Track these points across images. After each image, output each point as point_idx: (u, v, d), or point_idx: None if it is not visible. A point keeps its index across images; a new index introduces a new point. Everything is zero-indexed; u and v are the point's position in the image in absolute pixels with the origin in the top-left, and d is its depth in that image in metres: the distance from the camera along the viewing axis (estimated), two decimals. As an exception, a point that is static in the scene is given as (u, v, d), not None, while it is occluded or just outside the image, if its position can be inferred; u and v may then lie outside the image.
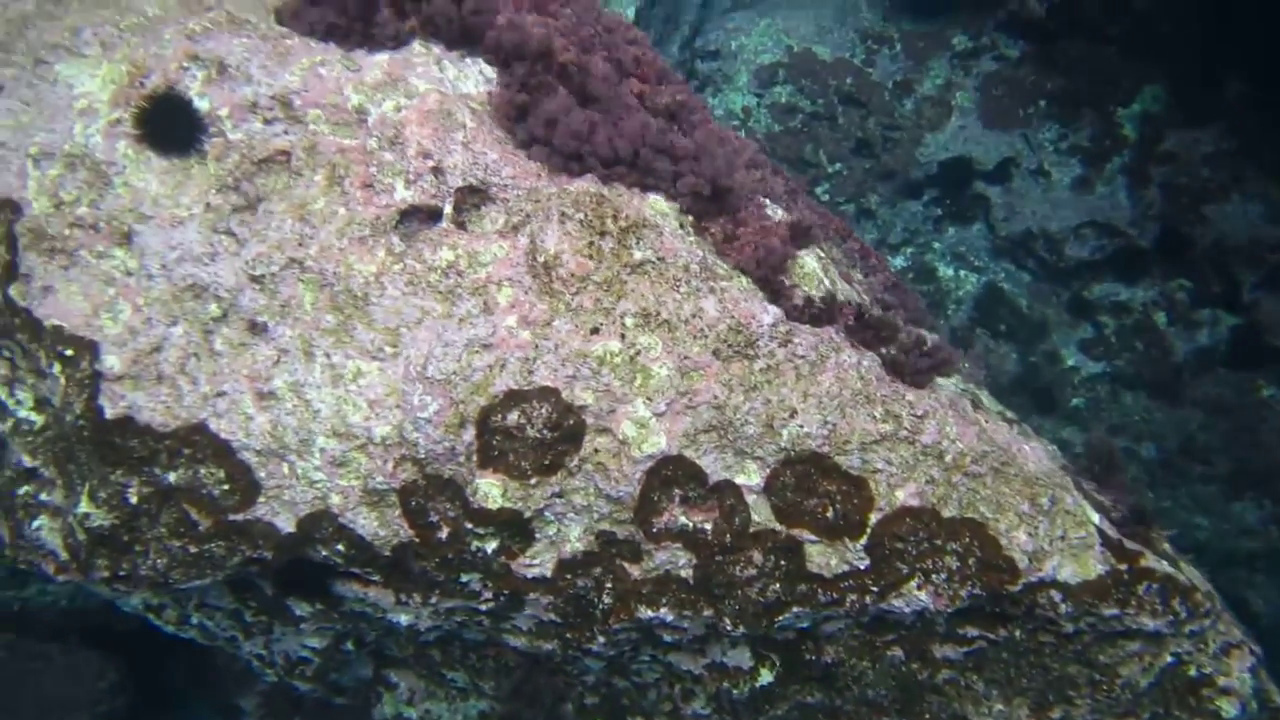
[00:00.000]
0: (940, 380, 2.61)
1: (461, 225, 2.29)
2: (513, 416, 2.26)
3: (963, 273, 6.68)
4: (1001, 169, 6.49)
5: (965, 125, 6.58)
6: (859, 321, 2.52)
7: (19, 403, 2.42)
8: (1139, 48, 6.25)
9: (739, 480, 2.37)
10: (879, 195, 6.70)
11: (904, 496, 2.41)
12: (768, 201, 2.68)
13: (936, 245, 6.73)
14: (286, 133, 2.29)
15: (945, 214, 6.72)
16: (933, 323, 3.19)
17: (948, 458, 2.42)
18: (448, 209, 2.28)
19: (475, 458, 2.27)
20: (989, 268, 6.65)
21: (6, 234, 2.29)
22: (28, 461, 2.42)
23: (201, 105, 2.27)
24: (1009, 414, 2.88)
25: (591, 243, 2.27)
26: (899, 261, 6.68)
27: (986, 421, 2.61)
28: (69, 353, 2.28)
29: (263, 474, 2.30)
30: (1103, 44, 6.34)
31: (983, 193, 6.55)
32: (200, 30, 2.30)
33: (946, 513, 2.42)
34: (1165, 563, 2.57)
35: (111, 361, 2.26)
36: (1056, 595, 2.47)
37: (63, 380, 2.29)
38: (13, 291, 2.30)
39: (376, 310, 2.26)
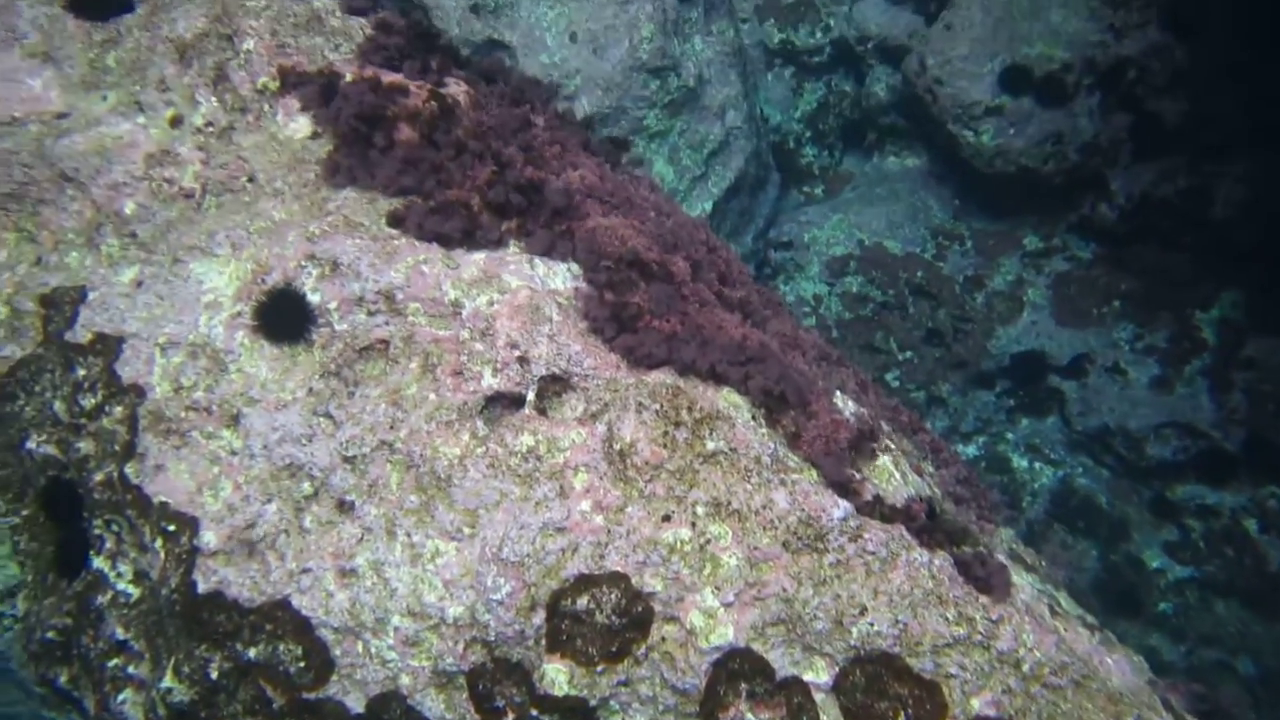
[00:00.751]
0: (1016, 580, 2.58)
1: (543, 412, 2.41)
2: (583, 601, 2.29)
3: (1038, 465, 6.59)
4: (1076, 365, 6.50)
5: (1037, 321, 6.67)
6: (930, 519, 2.53)
7: (119, 575, 2.54)
8: (1215, 255, 6.34)
9: (807, 677, 2.34)
10: (950, 384, 6.75)
11: (980, 705, 2.33)
12: (839, 394, 2.76)
13: (1010, 436, 6.69)
14: (387, 323, 2.48)
15: (1018, 405, 6.71)
16: (1009, 516, 3.16)
17: (1025, 667, 2.36)
18: (531, 396, 2.41)
19: (544, 642, 2.30)
20: (1065, 462, 6.56)
21: (129, 416, 2.49)
22: (120, 634, 2.52)
23: (314, 299, 2.48)
24: (1090, 619, 2.80)
25: (666, 432, 2.36)
26: (971, 451, 6.64)
27: (1066, 629, 2.55)
28: (171, 528, 2.41)
29: (338, 651, 2.35)
30: (1176, 250, 6.46)
31: (1057, 387, 6.54)
32: (319, 233, 2.54)
33: (1025, 723, 2.34)
34: (1265, 790, 2.42)
35: (209, 537, 2.38)
36: (1146, 820, 2.33)
37: (163, 555, 2.42)
38: (128, 469, 2.47)
39: (458, 492, 2.36)
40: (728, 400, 2.43)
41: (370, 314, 2.48)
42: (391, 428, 2.40)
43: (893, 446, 2.71)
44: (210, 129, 2.85)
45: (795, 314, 6.73)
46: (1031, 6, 6.68)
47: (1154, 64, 6.38)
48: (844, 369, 3.29)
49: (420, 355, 2.45)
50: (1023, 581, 2.61)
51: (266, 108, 2.90)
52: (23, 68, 2.89)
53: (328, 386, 2.45)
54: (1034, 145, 6.57)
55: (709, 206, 6.61)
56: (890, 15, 7.48)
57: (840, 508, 2.35)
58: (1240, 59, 6.15)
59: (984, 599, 2.40)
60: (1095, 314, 6.61)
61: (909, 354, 6.80)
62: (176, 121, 2.85)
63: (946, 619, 2.35)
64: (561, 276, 2.61)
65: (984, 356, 6.63)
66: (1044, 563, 3.02)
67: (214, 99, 2.87)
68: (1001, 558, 2.64)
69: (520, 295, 2.48)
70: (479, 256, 2.56)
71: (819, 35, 7.87)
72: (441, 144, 2.71)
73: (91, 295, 2.67)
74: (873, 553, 2.34)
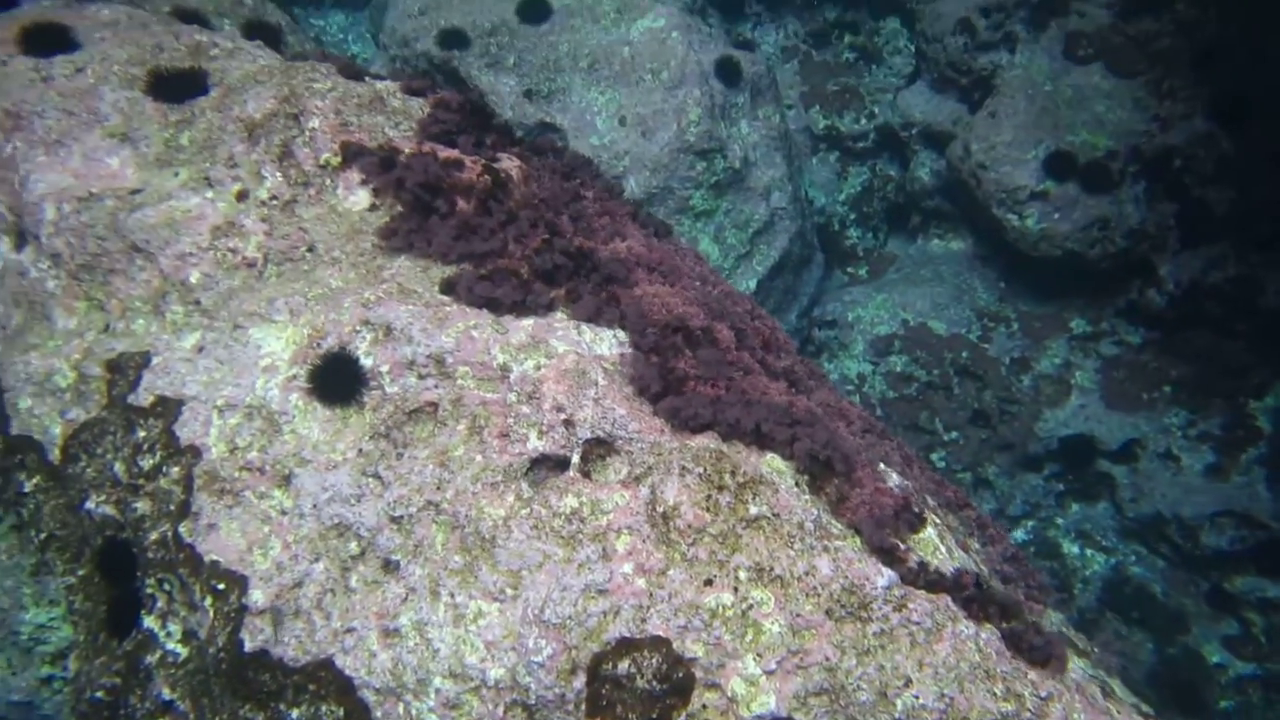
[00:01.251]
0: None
1: (587, 474, 2.44)
2: (623, 665, 2.28)
3: (1089, 552, 6.43)
4: (1126, 450, 6.39)
5: (1086, 404, 6.58)
6: (977, 591, 2.49)
7: (169, 635, 2.58)
8: (1268, 343, 6.25)
9: (852, 752, 2.28)
10: (997, 466, 6.65)
11: (1029, 783, 2.26)
12: (883, 465, 2.75)
13: (1060, 521, 6.55)
14: (437, 386, 2.54)
15: (1068, 490, 6.58)
16: (1059, 599, 3.10)
17: (1076, 743, 2.29)
18: (575, 458, 2.44)
19: (584, 706, 2.28)
20: (1118, 549, 6.39)
21: (185, 476, 2.56)
22: (167, 694, 2.54)
23: (367, 362, 2.55)
24: (1145, 708, 2.71)
25: (709, 496, 2.37)
26: (1020, 535, 6.50)
27: (1119, 712, 2.48)
28: (221, 587, 2.45)
29: (379, 714, 2.35)
30: (1229, 337, 6.38)
31: (1107, 471, 6.42)
32: (374, 299, 2.63)
33: (1078, 806, 2.26)
34: None
35: (257, 596, 2.42)
36: None
37: (212, 613, 2.45)
38: (182, 528, 2.53)
39: (501, 553, 2.37)
40: (771, 466, 2.44)
41: (421, 377, 2.54)
42: (438, 488, 2.44)
43: (938, 520, 2.68)
44: (274, 202, 2.98)
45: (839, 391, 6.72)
46: (1075, 96, 6.77)
47: (1200, 153, 6.40)
48: (888, 442, 3.28)
49: (468, 417, 2.50)
50: (1074, 665, 2.55)
51: (328, 182, 3.03)
52: (103, 147, 3.06)
53: (377, 448, 2.51)
54: (1079, 230, 6.59)
55: (753, 284, 6.70)
56: (934, 103, 7.63)
57: (884, 576, 2.33)
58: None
59: (1033, 674, 2.34)
60: (1145, 399, 6.52)
61: (954, 435, 6.73)
62: (242, 195, 2.99)
63: (994, 694, 2.29)
64: (608, 343, 2.66)
65: (1031, 439, 6.54)
66: (1096, 649, 2.94)
67: (279, 174, 3.01)
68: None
69: (567, 360, 2.54)
70: (527, 322, 2.63)
71: (864, 122, 8.04)
72: (494, 214, 2.81)
73: (155, 360, 2.76)
74: (918, 623, 2.31)
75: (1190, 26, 6.48)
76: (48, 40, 3.16)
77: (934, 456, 6.66)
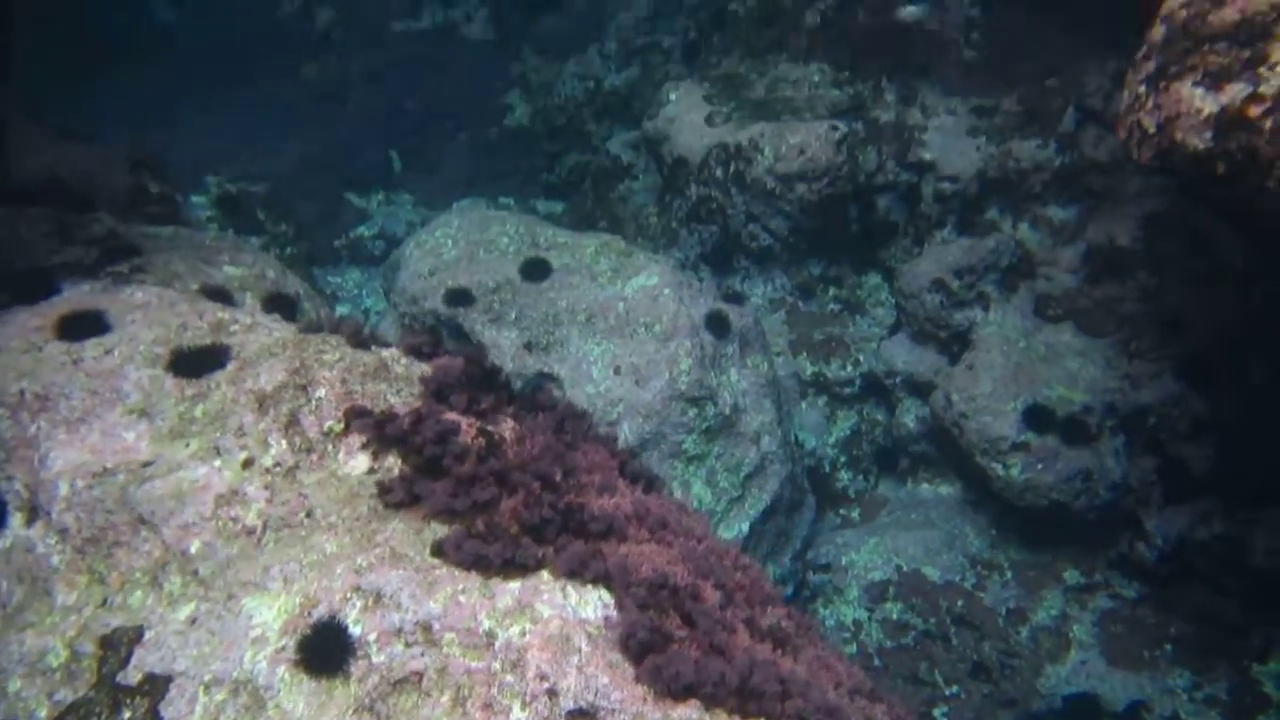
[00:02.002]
0: None
1: (568, 750, 2.43)
2: None
3: (1108, 821, 6.10)
4: (1133, 712, 6.19)
5: (1087, 660, 6.45)
6: None
7: None
8: (1263, 603, 6.18)
9: None
10: (1002, 726, 6.43)
11: None
12: (870, 735, 2.74)
13: (1072, 788, 6.26)
14: (423, 655, 2.57)
15: (1080, 753, 6.33)
16: None
17: None
18: (557, 734, 2.44)
19: None
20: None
21: (164, 761, 2.53)
22: None
23: (355, 631, 2.60)
24: None
25: (690, 776, 2.35)
26: (1030, 803, 6.19)
27: None
28: None
29: None
30: (1223, 594, 6.29)
31: (1117, 734, 6.20)
32: (366, 565, 2.71)
33: None
34: None
35: None
36: None
37: None
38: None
39: (479, 836, 2.33)
40: (751, 741, 2.44)
41: (407, 645, 2.58)
42: (419, 765, 2.43)
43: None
44: (278, 469, 3.12)
45: (835, 640, 6.61)
46: (1048, 353, 7.11)
47: (1173, 412, 6.54)
48: (879, 704, 3.24)
49: (453, 688, 2.52)
50: None
51: (330, 447, 3.19)
52: (121, 424, 3.19)
53: (360, 721, 2.51)
54: (1063, 482, 6.69)
55: (746, 527, 6.74)
56: (915, 354, 7.98)
57: None
58: (1269, 414, 6.25)
59: None
60: (1147, 657, 6.38)
61: (955, 689, 6.55)
62: (248, 463, 3.12)
63: None
64: (593, 605, 2.72)
65: (1034, 696, 6.36)
66: None
67: (284, 442, 3.17)
68: None
69: (552, 625, 2.59)
70: (514, 585, 2.70)
71: (849, 369, 8.37)
72: (486, 475, 2.95)
73: (148, 635, 2.76)
74: None
75: (1152, 293, 6.86)
76: (82, 326, 3.41)
77: (937, 712, 6.45)
